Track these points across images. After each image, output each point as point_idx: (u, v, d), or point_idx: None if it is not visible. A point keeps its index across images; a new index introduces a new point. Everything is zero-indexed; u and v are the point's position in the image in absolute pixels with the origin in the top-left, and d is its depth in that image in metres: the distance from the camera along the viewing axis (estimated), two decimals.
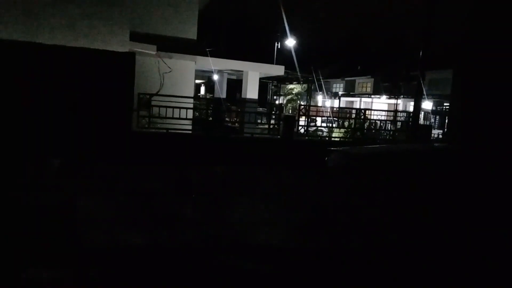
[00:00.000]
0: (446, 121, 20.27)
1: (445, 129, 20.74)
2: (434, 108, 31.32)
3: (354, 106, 36.52)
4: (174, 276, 3.93)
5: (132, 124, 9.72)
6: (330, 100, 42.89)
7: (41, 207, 4.96)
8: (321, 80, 36.48)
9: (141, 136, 9.97)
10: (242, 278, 3.98)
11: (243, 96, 18.19)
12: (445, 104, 29.49)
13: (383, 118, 15.11)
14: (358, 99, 41.50)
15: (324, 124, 15.96)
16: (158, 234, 4.73)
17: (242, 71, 18.06)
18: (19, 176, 5.31)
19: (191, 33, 14.85)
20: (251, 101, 16.96)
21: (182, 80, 13.98)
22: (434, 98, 30.47)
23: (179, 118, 10.53)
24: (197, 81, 28.26)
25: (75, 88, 8.98)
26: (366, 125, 13.96)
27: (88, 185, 5.37)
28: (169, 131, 10.30)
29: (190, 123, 12.07)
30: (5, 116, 8.51)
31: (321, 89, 38.58)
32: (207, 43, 20.42)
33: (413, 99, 16.74)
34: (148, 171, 7.10)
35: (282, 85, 37.17)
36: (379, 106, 34.27)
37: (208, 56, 15.81)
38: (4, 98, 8.55)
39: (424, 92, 16.18)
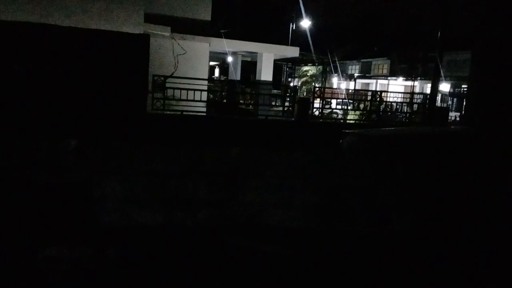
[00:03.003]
0: (464, 103, 19.93)
1: (463, 112, 20.41)
2: (451, 90, 30.78)
3: (370, 88, 36.07)
4: (188, 256, 3.99)
5: (146, 106, 9.78)
6: (345, 82, 42.45)
7: (57, 187, 5.04)
8: (337, 62, 36.06)
9: (156, 118, 10.02)
10: (255, 259, 4.01)
11: (257, 78, 18.09)
12: (463, 86, 28.96)
13: (399, 100, 14.92)
14: (374, 81, 40.98)
15: (339, 107, 15.84)
16: (173, 214, 4.78)
17: (256, 52, 17.93)
18: (36, 156, 5.39)
19: (206, 14, 14.75)
20: (266, 83, 16.85)
21: (196, 62, 13.94)
22: (452, 80, 29.94)
23: (194, 100, 10.54)
24: (211, 63, 28.18)
25: (90, 69, 9.03)
26: (381, 107, 13.81)
27: (104, 166, 5.44)
28: (184, 113, 10.33)
29: (205, 105, 12.08)
30: (21, 97, 8.62)
31: (336, 71, 38.16)
32: (222, 25, 20.28)
33: (430, 81, 16.48)
34: (163, 152, 7.15)
35: (297, 67, 36.84)
36: (395, 88, 33.80)
37: (222, 38, 15.72)
38: (20, 79, 8.65)
39: (442, 74, 15.90)
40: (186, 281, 3.68)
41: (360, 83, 41.85)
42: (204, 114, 11.80)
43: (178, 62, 12.53)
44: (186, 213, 4.85)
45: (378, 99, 13.47)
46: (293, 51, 18.57)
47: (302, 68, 36.53)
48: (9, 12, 8.83)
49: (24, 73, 8.70)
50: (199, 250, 4.12)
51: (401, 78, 36.21)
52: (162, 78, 10.42)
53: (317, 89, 12.78)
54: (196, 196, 5.31)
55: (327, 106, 13.75)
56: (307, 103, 11.65)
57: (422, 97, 14.89)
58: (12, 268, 3.65)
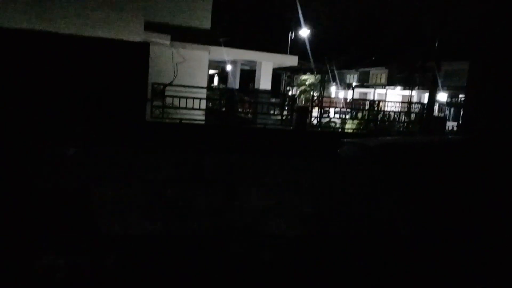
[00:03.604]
0: (461, 113, 20.02)
1: (460, 121, 20.50)
2: (449, 99, 30.93)
3: (368, 97, 36.19)
4: (187, 264, 3.99)
5: (146, 113, 9.81)
6: (343, 91, 42.60)
7: (56, 194, 5.05)
8: (335, 71, 36.24)
9: (155, 125, 10.04)
10: (255, 266, 4.02)
11: (256, 86, 18.17)
12: (460, 95, 29.10)
13: (397, 109, 14.99)
14: (372, 90, 41.12)
15: (337, 116, 15.90)
16: (172, 221, 4.79)
17: (255, 61, 18.02)
18: (35, 163, 5.41)
19: (205, 22, 14.83)
20: (264, 91, 16.93)
21: (195, 70, 13.99)
22: (449, 90, 30.09)
23: (193, 109, 10.57)
24: (211, 71, 28.27)
25: (90, 77, 9.07)
26: (379, 116, 13.88)
27: (103, 173, 5.45)
28: (183, 121, 10.35)
29: (203, 114, 12.12)
30: (20, 104, 8.64)
31: (334, 80, 38.34)
32: (221, 33, 20.37)
33: (428, 91, 16.57)
34: (162, 160, 7.17)
35: (295, 76, 36.99)
36: (393, 97, 33.94)
37: (221, 46, 15.79)
38: (19, 86, 8.67)
39: (439, 84, 16.00)
40: None
41: (358, 92, 41.98)
42: (203, 122, 11.83)
43: (177, 70, 12.59)
44: (185, 220, 4.86)
45: (375, 108, 13.55)
46: (291, 60, 18.68)
47: (300, 77, 36.69)
48: (11, 19, 8.89)
49: (24, 79, 8.73)
50: (197, 258, 4.12)
51: (399, 88, 36.37)
52: (162, 86, 10.46)
53: (316, 98, 12.84)
54: (195, 204, 5.32)
55: (325, 115, 13.81)
56: (306, 112, 11.71)
57: (419, 107, 14.98)
58: (9, 276, 3.65)
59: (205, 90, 13.49)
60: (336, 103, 18.41)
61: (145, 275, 3.76)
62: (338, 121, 15.83)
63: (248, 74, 25.38)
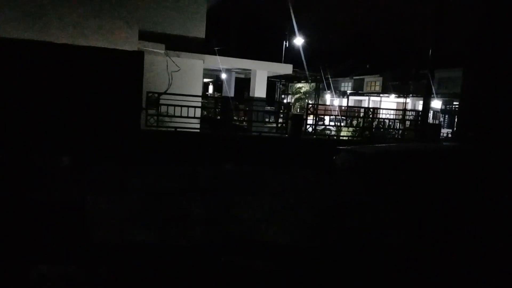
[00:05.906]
0: (456, 120, 20.12)
1: (455, 128, 20.59)
2: (443, 107, 31.08)
3: (363, 105, 36.35)
4: (182, 275, 3.95)
5: (140, 122, 9.77)
6: (338, 99, 42.75)
7: (50, 204, 5.00)
8: (330, 79, 36.39)
9: (150, 134, 10.00)
10: (250, 277, 3.98)
11: (251, 94, 18.16)
12: (454, 103, 29.27)
13: (391, 117, 15.02)
14: (366, 98, 41.31)
15: (332, 123, 15.94)
16: (167, 232, 4.75)
17: (250, 70, 18.04)
18: (29, 173, 5.36)
19: (200, 31, 14.87)
20: (259, 99, 16.92)
21: (190, 79, 14.00)
22: (443, 97, 30.25)
23: (188, 117, 10.55)
24: (205, 80, 28.31)
25: (84, 86, 9.03)
26: (374, 124, 13.91)
27: (97, 183, 5.40)
28: (178, 129, 10.32)
29: (198, 122, 12.08)
30: (14, 114, 8.58)
31: (329, 88, 38.50)
32: (216, 42, 20.44)
33: (422, 98, 16.65)
34: (156, 170, 7.13)
35: (290, 84, 37.12)
36: (388, 105, 34.08)
37: (216, 55, 15.82)
38: (12, 96, 8.62)
39: (433, 91, 16.09)
40: None
41: (352, 100, 42.14)
42: (198, 130, 11.80)
43: (172, 79, 12.58)
44: (180, 230, 4.81)
45: (370, 116, 13.57)
46: (286, 68, 18.73)
47: (295, 85, 36.80)
48: (4, 29, 8.86)
49: (17, 90, 8.68)
50: (193, 268, 4.08)
51: (393, 95, 36.53)
52: (156, 95, 10.43)
53: (310, 105, 12.85)
54: (189, 214, 5.28)
55: (320, 123, 13.82)
56: (301, 120, 11.70)
57: (414, 114, 15.02)
58: (4, 284, 3.60)
59: (200, 99, 13.48)
60: (331, 110, 18.44)
61: (139, 285, 3.71)
62: (333, 129, 15.85)
63: (243, 82, 25.42)
